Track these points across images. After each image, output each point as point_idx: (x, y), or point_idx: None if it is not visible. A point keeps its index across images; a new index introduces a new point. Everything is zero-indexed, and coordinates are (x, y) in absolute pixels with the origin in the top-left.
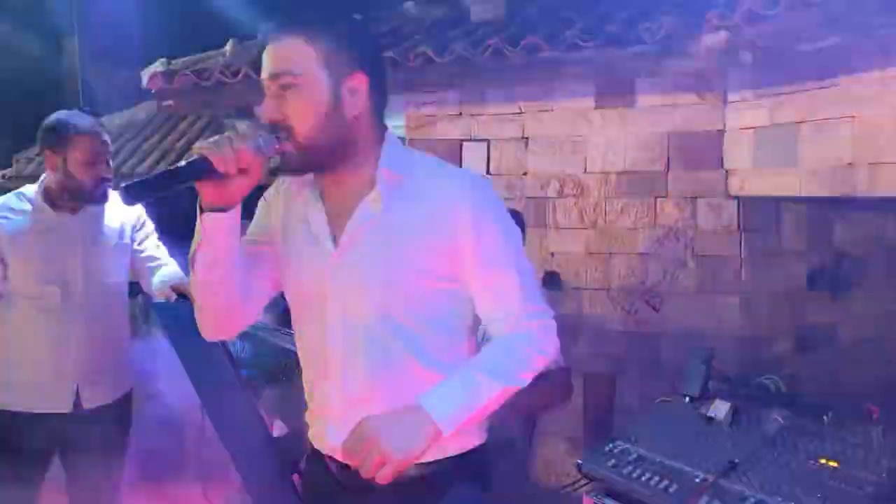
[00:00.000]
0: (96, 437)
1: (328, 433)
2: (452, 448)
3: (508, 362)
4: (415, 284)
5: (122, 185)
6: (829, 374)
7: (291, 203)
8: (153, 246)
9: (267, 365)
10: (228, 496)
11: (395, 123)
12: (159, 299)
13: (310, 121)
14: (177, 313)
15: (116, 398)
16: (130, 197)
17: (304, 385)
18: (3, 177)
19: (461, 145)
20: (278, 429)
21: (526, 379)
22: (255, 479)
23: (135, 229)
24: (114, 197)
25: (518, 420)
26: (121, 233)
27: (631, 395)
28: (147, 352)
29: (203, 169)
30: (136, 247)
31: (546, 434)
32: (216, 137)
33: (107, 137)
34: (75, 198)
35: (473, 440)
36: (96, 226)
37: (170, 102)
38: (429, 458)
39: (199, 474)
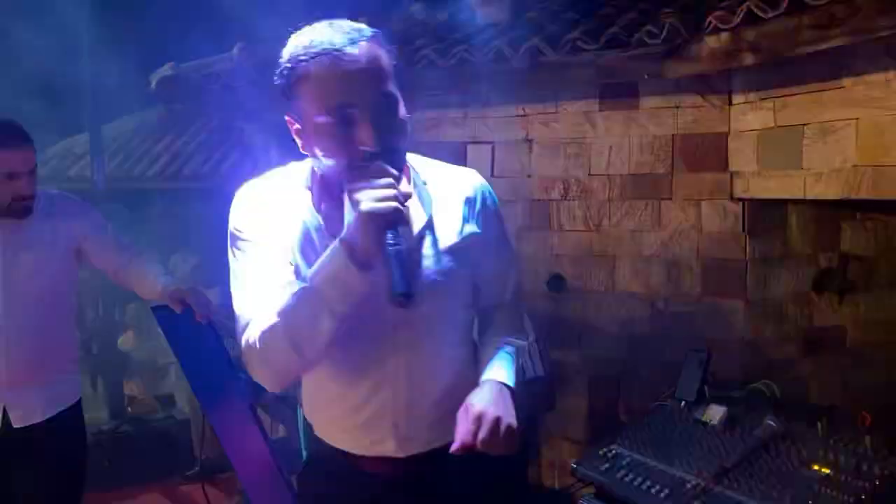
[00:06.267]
0: (35, 456)
1: (393, 437)
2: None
3: (517, 327)
4: (461, 275)
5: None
6: (837, 377)
7: (300, 216)
8: (120, 245)
9: None
10: (228, 496)
11: None
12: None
13: (406, 134)
14: (176, 315)
15: (55, 414)
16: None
17: (347, 401)
18: None
19: (466, 147)
20: (279, 431)
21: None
22: (253, 479)
23: (86, 239)
24: (53, 206)
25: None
26: (58, 243)
27: (635, 399)
28: None
29: (400, 220)
30: (103, 256)
31: (551, 436)
32: (382, 189)
33: (29, 152)
34: None
35: None
36: (22, 235)
37: (178, 106)
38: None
39: (199, 475)
